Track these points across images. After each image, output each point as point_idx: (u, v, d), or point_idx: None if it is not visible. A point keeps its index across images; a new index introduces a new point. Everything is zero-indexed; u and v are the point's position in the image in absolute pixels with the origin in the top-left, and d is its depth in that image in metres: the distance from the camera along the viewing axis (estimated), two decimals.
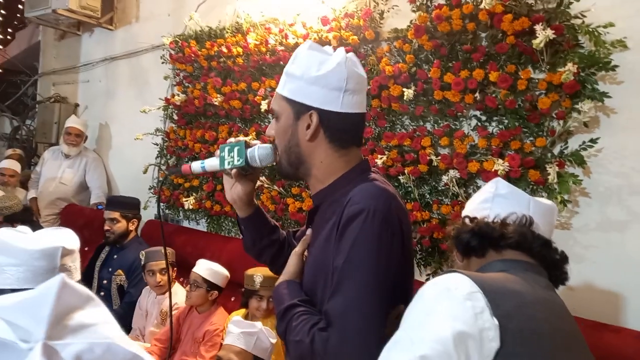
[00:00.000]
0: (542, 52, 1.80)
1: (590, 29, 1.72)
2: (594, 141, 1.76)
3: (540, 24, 1.75)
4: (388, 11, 2.31)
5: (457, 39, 2.04)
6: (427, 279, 2.15)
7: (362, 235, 0.86)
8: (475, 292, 0.71)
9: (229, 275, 2.30)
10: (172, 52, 3.25)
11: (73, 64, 4.41)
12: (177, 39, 3.21)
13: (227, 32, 2.94)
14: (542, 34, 1.73)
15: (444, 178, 2.07)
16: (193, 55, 3.07)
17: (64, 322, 0.44)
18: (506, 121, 1.96)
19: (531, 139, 1.90)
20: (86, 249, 2.97)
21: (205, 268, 2.24)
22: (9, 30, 5.54)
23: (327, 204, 0.99)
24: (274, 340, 1.73)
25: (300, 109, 0.97)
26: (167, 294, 2.30)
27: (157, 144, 3.45)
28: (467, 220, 1.00)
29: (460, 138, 2.04)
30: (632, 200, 1.72)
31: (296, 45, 2.48)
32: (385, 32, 2.32)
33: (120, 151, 4.00)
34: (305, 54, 0.97)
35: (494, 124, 2.01)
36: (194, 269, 2.26)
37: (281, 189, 2.65)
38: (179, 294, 2.47)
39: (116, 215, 2.80)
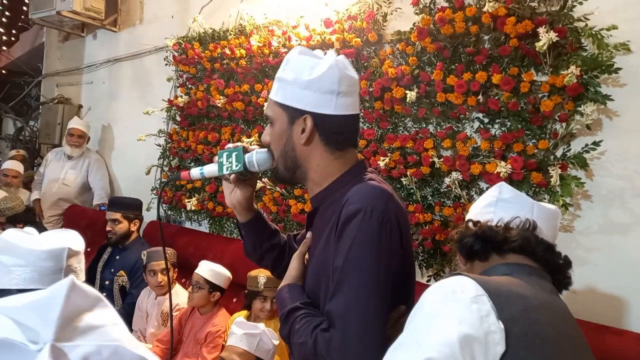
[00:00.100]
0: (545, 54, 1.80)
1: (593, 32, 1.72)
2: (596, 144, 1.76)
3: (543, 26, 1.76)
4: (391, 14, 2.31)
5: (459, 42, 2.04)
6: (429, 281, 2.15)
7: (361, 234, 0.86)
8: (481, 295, 0.71)
9: (231, 276, 2.30)
10: (176, 54, 3.26)
11: (77, 65, 4.43)
12: (180, 40, 3.22)
13: (230, 34, 2.95)
14: (545, 37, 1.73)
15: (447, 180, 2.07)
16: (196, 57, 3.08)
17: (73, 324, 0.45)
18: (509, 123, 1.96)
19: (534, 141, 1.90)
20: (88, 249, 2.96)
21: (208, 269, 2.25)
22: (13, 31, 5.56)
23: (326, 205, 1.00)
24: (276, 342, 1.74)
25: (294, 114, 0.98)
26: (167, 295, 2.32)
27: (159, 145, 3.46)
28: (470, 224, 1.00)
29: (462, 140, 2.04)
30: (635, 203, 1.72)
31: None
32: (388, 35, 2.33)
33: (123, 152, 4.01)
34: (296, 59, 0.98)
35: (496, 126, 2.02)
36: (197, 271, 2.26)
37: (283, 190, 2.66)
38: (180, 295, 2.47)
39: (118, 216, 2.81)
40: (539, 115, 1.86)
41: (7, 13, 5.27)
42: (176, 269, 2.54)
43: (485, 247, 0.94)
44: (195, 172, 1.09)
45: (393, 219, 0.88)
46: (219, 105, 2.93)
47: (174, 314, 2.34)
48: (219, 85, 2.97)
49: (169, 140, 3.39)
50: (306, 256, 1.04)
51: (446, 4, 2.06)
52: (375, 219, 0.86)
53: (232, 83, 2.92)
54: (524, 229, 0.94)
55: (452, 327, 0.66)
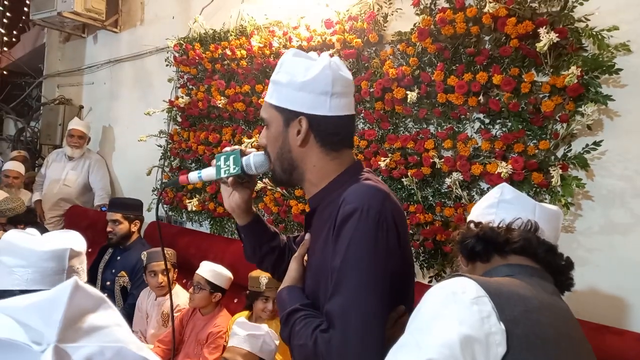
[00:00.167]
0: (545, 55, 1.80)
1: (594, 33, 1.72)
2: (597, 144, 1.76)
3: (544, 27, 1.76)
4: (392, 14, 2.31)
5: (460, 42, 2.04)
6: (430, 281, 2.15)
7: (358, 234, 0.86)
8: (482, 296, 0.71)
9: (232, 277, 2.30)
10: (177, 55, 3.27)
11: (78, 66, 4.43)
12: (181, 41, 3.23)
13: (231, 35, 2.95)
14: (546, 37, 1.73)
15: (447, 180, 2.07)
16: (197, 57, 3.08)
17: (76, 325, 0.45)
18: (509, 124, 1.96)
19: (534, 141, 1.90)
20: (90, 250, 2.95)
21: (209, 270, 2.25)
22: (14, 32, 5.56)
23: (323, 206, 1.00)
24: (278, 342, 1.74)
25: (289, 116, 0.98)
26: (167, 296, 2.31)
27: (160, 146, 3.47)
28: (472, 225, 1.00)
29: (463, 141, 2.04)
30: (636, 203, 1.72)
31: (300, 48, 2.49)
32: (389, 35, 2.33)
33: (124, 153, 4.01)
34: (291, 61, 0.99)
35: (497, 126, 2.02)
36: (198, 271, 2.26)
37: (284, 191, 2.66)
38: (180, 295, 2.47)
39: (118, 216, 2.81)
40: (540, 115, 1.86)
41: (8, 14, 5.27)
42: (176, 270, 2.54)
43: (486, 249, 0.94)
44: (193, 176, 1.09)
45: (390, 218, 0.88)
46: (220, 105, 2.93)
47: (174, 314, 2.34)
48: (219, 85, 2.97)
49: (170, 141, 3.39)
50: (305, 257, 1.05)
51: (447, 5, 2.06)
52: (372, 219, 0.86)
53: (233, 84, 2.92)
54: (526, 230, 0.94)
55: (452, 328, 0.66)
